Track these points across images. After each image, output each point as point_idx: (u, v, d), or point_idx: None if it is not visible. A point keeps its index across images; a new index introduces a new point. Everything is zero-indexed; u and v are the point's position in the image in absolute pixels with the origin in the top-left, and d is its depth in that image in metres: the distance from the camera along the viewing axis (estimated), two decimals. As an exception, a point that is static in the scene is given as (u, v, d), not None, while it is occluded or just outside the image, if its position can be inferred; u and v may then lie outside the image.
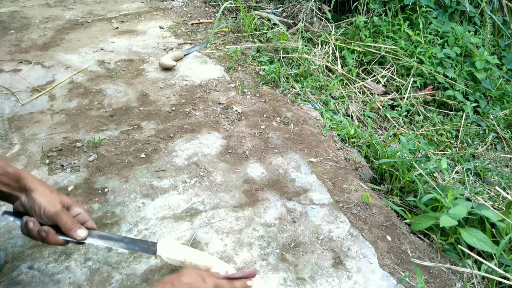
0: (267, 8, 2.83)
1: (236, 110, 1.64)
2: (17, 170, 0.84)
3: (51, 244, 0.81)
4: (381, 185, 1.46)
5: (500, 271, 1.02)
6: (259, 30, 2.43)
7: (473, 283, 1.06)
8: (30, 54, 2.07)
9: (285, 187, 1.26)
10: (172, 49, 2.17)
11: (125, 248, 0.89)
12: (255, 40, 2.34)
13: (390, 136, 1.81)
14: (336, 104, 2.02)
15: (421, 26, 2.53)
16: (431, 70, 2.41)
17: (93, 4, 2.87)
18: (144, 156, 1.36)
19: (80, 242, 0.85)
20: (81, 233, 0.83)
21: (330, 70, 2.36)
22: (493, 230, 1.19)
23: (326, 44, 2.50)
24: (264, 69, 1.99)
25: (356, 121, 2.02)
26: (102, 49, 2.14)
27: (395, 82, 2.43)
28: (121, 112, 1.61)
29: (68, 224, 0.81)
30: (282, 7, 2.90)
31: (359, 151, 1.58)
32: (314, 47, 2.46)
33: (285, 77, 2.00)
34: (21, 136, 1.45)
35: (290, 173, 1.32)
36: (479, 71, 2.45)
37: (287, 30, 2.40)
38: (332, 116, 1.80)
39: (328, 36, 2.53)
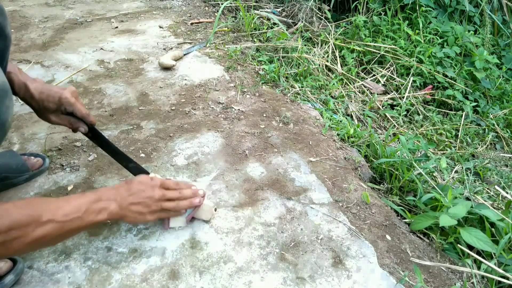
0: (267, 8, 2.83)
1: (236, 110, 1.64)
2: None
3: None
4: (381, 185, 1.46)
5: (500, 270, 1.02)
6: (259, 30, 2.43)
7: (472, 283, 1.06)
8: (30, 53, 2.06)
9: (285, 187, 1.26)
10: (171, 48, 2.17)
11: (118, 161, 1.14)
12: (255, 40, 2.34)
13: (389, 135, 1.81)
14: (335, 104, 2.02)
15: (421, 25, 2.53)
16: (430, 69, 2.41)
17: (93, 4, 2.86)
18: (143, 155, 1.36)
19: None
20: (82, 129, 1.10)
21: (329, 69, 2.36)
22: (493, 229, 1.19)
23: (325, 44, 2.50)
24: (264, 68, 1.99)
25: (356, 120, 2.02)
26: (101, 48, 2.14)
27: (395, 81, 2.43)
28: (120, 111, 1.60)
29: None
30: (282, 6, 2.90)
31: (359, 150, 1.58)
32: (313, 47, 2.46)
33: (284, 76, 2.00)
34: (21, 135, 1.45)
35: (289, 173, 1.32)
36: (479, 70, 2.46)
37: (286, 30, 2.40)
38: (331, 116, 1.80)
39: (327, 35, 2.53)
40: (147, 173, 1.16)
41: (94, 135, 1.14)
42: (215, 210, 1.09)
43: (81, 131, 1.10)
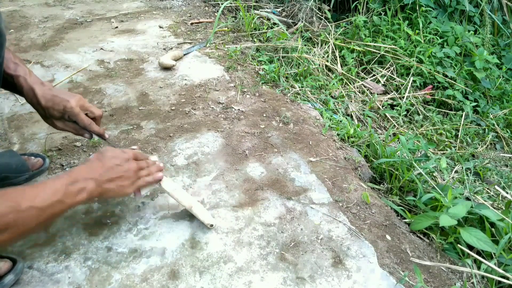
0: (267, 8, 2.83)
1: (236, 110, 1.64)
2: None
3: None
4: (381, 185, 1.46)
5: (500, 270, 1.02)
6: (259, 30, 2.43)
7: (472, 283, 1.06)
8: (30, 53, 2.06)
9: (285, 187, 1.26)
10: (171, 48, 2.17)
11: None
12: (255, 40, 2.34)
13: (389, 135, 1.81)
14: (335, 104, 2.02)
15: (421, 25, 2.53)
16: (430, 69, 2.41)
17: (93, 4, 2.86)
18: (143, 155, 1.36)
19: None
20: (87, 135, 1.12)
21: (329, 69, 2.36)
22: (493, 229, 1.19)
23: (325, 44, 2.50)
24: (264, 68, 1.99)
25: (356, 120, 2.02)
26: (101, 48, 2.14)
27: (395, 81, 2.43)
28: (120, 111, 1.60)
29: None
30: (282, 6, 2.90)
31: (359, 150, 1.58)
32: (313, 47, 2.46)
33: (284, 76, 2.00)
34: (21, 135, 1.45)
35: (289, 173, 1.32)
36: (479, 70, 2.46)
37: (286, 30, 2.40)
38: (331, 116, 1.80)
39: (327, 35, 2.53)
40: None
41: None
42: (211, 226, 1.08)
43: (86, 137, 1.11)
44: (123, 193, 0.93)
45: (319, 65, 2.27)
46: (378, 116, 2.20)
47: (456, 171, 1.80)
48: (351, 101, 2.15)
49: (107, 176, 0.89)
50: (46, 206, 0.76)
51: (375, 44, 2.49)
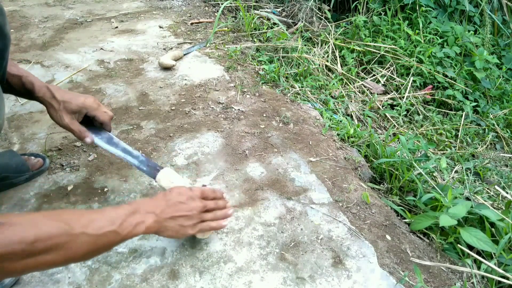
0: (267, 8, 2.83)
1: (236, 110, 1.64)
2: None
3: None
4: (381, 185, 1.46)
5: (500, 270, 1.02)
6: (259, 30, 2.43)
7: (472, 283, 1.06)
8: (30, 53, 2.06)
9: (285, 187, 1.26)
10: (171, 48, 2.17)
11: (131, 162, 1.07)
12: (255, 40, 2.34)
13: (389, 135, 1.81)
14: (335, 104, 2.02)
15: (421, 25, 2.53)
16: (430, 69, 2.41)
17: (93, 4, 2.86)
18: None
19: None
20: (88, 140, 1.05)
21: (329, 69, 2.36)
22: (493, 229, 1.19)
23: (325, 44, 2.50)
24: (264, 68, 1.99)
25: (356, 120, 2.02)
26: (101, 48, 2.14)
27: (395, 81, 2.43)
28: (120, 111, 1.60)
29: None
30: (282, 6, 2.90)
31: (359, 150, 1.58)
32: (313, 47, 2.46)
33: (284, 76, 2.00)
34: (21, 135, 1.45)
35: (289, 173, 1.32)
36: (479, 70, 2.46)
37: (286, 30, 2.40)
38: (331, 116, 1.80)
39: (327, 35, 2.53)
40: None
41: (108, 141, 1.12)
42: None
43: (86, 141, 1.06)
44: (182, 234, 0.88)
45: (319, 65, 2.27)
46: (378, 116, 2.20)
47: (456, 171, 1.80)
48: (351, 101, 2.15)
49: (169, 213, 0.85)
50: (100, 235, 0.71)
51: (375, 44, 2.49)
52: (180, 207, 0.86)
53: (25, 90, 1.02)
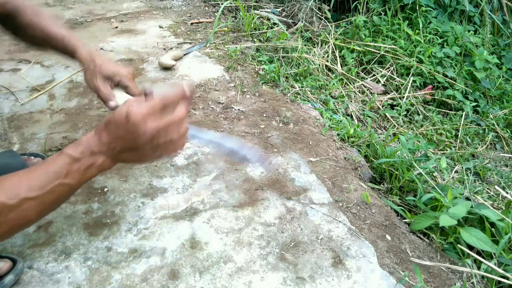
0: (267, 8, 2.83)
1: (236, 110, 1.64)
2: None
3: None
4: (381, 185, 1.46)
5: (500, 270, 1.02)
6: (259, 30, 2.43)
7: (472, 283, 1.06)
8: (30, 53, 2.06)
9: (285, 187, 1.26)
10: (171, 48, 2.17)
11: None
12: (255, 40, 2.34)
13: (389, 135, 1.81)
14: (335, 104, 2.02)
15: (421, 25, 2.53)
16: (430, 69, 2.41)
17: (93, 4, 2.86)
18: (143, 155, 1.36)
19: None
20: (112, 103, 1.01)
21: (329, 69, 2.36)
22: (493, 229, 1.19)
23: (325, 44, 2.50)
24: (264, 68, 1.99)
25: (356, 120, 2.02)
26: (101, 48, 2.14)
27: (395, 81, 2.43)
28: (120, 111, 1.60)
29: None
30: (282, 6, 2.90)
31: (359, 150, 1.58)
32: (313, 47, 2.46)
33: (284, 76, 2.00)
34: (21, 135, 1.45)
35: (289, 173, 1.32)
36: (479, 70, 2.46)
37: (286, 30, 2.40)
38: (331, 116, 1.80)
39: (327, 35, 2.53)
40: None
41: None
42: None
43: (111, 105, 1.00)
44: (141, 161, 0.75)
45: (319, 65, 2.27)
46: (378, 116, 2.20)
47: (456, 171, 1.80)
48: (351, 101, 2.15)
49: (117, 147, 0.71)
50: (46, 193, 0.66)
51: (375, 44, 2.49)
52: (125, 139, 0.70)
53: (65, 52, 1.06)
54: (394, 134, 2.00)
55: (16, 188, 0.64)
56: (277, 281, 0.96)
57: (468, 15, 2.73)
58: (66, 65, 1.95)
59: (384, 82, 2.41)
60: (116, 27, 2.44)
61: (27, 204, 0.64)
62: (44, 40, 1.06)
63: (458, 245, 1.14)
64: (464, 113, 2.34)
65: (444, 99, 2.40)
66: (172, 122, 0.71)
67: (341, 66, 2.40)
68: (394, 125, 2.18)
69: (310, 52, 2.32)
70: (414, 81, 2.41)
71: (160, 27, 2.46)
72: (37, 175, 0.67)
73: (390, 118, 2.22)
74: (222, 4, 2.53)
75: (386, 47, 2.45)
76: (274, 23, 2.47)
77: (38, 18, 1.06)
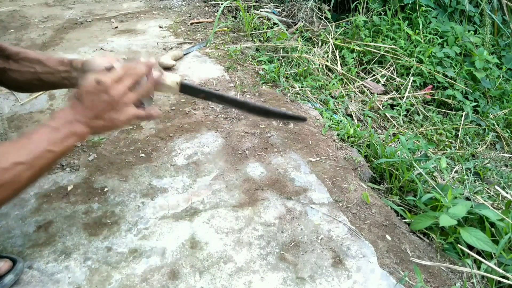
0: (267, 8, 2.83)
1: (236, 110, 1.64)
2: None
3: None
4: (381, 185, 1.46)
5: (500, 270, 1.02)
6: (259, 30, 2.43)
7: (472, 283, 1.06)
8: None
9: (285, 187, 1.26)
10: (171, 48, 2.17)
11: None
12: (255, 40, 2.34)
13: (389, 135, 1.81)
14: (335, 104, 2.02)
15: (421, 25, 2.53)
16: (430, 69, 2.41)
17: (93, 4, 2.86)
18: (143, 155, 1.36)
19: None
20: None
21: (329, 69, 2.36)
22: (493, 229, 1.19)
23: (325, 44, 2.50)
24: (264, 68, 1.99)
25: (356, 120, 2.02)
26: (101, 48, 2.14)
27: (395, 81, 2.43)
28: (120, 111, 1.60)
29: None
30: (282, 6, 2.90)
31: (359, 150, 1.58)
32: (313, 47, 2.46)
33: (284, 76, 2.00)
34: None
35: (289, 173, 1.32)
36: (479, 70, 2.46)
37: (286, 30, 2.40)
38: (331, 116, 1.80)
39: (327, 35, 2.53)
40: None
41: None
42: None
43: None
44: (116, 127, 0.84)
45: (319, 65, 2.27)
46: (378, 116, 2.20)
47: (456, 171, 1.80)
48: (351, 101, 2.15)
49: (90, 114, 0.81)
50: (35, 158, 0.73)
51: (375, 44, 2.49)
52: (97, 104, 0.81)
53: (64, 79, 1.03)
54: (394, 134, 2.00)
55: (5, 154, 0.71)
56: (277, 281, 0.96)
57: (468, 15, 2.73)
58: (66, 65, 1.95)
59: (384, 82, 2.41)
60: (116, 27, 2.44)
61: (18, 167, 0.71)
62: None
63: (458, 245, 1.14)
64: (464, 113, 2.34)
65: (444, 99, 2.41)
66: (132, 83, 0.85)
67: (341, 66, 2.40)
68: (394, 125, 2.18)
69: (310, 52, 2.32)
70: (414, 81, 2.41)
71: (160, 27, 2.46)
72: (22, 143, 0.74)
73: (390, 118, 2.22)
74: (222, 4, 2.53)
75: (386, 47, 2.45)
76: (274, 23, 2.47)
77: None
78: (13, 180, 0.71)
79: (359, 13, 2.64)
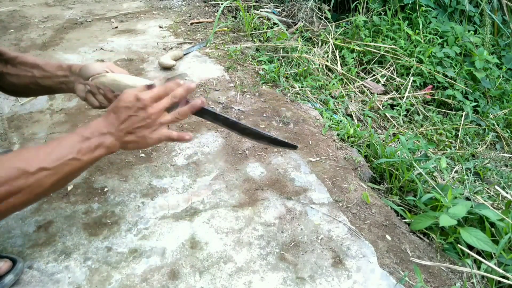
0: (267, 8, 2.83)
1: (236, 110, 1.64)
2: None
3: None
4: (381, 185, 1.46)
5: (500, 270, 1.02)
6: (259, 30, 2.43)
7: (472, 283, 1.06)
8: (30, 53, 2.06)
9: (285, 187, 1.26)
10: (171, 48, 2.17)
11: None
12: (255, 40, 2.34)
13: (389, 135, 1.81)
14: (335, 104, 2.02)
15: (421, 25, 2.53)
16: (430, 69, 2.41)
17: (93, 4, 2.86)
18: (143, 155, 1.36)
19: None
20: None
21: (329, 69, 2.36)
22: (493, 229, 1.19)
23: (325, 44, 2.50)
24: (264, 68, 1.99)
25: (356, 120, 2.02)
26: (101, 48, 2.14)
27: (395, 81, 2.43)
28: (120, 111, 1.60)
29: None
30: (282, 6, 2.90)
31: (359, 150, 1.58)
32: (313, 47, 2.46)
33: (284, 76, 2.00)
34: (21, 135, 1.45)
35: (289, 173, 1.32)
36: (479, 70, 2.46)
37: (286, 30, 2.40)
38: (331, 116, 1.80)
39: (327, 35, 2.53)
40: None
41: None
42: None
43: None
44: (146, 144, 0.85)
45: (319, 65, 2.27)
46: (378, 116, 2.20)
47: (456, 171, 1.80)
48: (351, 101, 2.15)
49: (124, 128, 0.81)
50: (60, 165, 0.74)
51: (375, 44, 2.49)
52: (132, 120, 0.82)
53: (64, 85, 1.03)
54: (394, 134, 2.00)
55: (34, 158, 0.72)
56: (277, 281, 0.96)
57: (468, 15, 2.73)
58: (66, 65, 1.95)
59: (384, 82, 2.41)
60: (116, 27, 2.44)
61: (43, 173, 0.72)
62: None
63: (458, 245, 1.14)
64: (464, 113, 2.34)
65: (444, 99, 2.41)
66: (170, 104, 0.86)
67: (341, 66, 2.40)
68: (394, 125, 2.18)
69: (310, 52, 2.32)
70: (414, 81, 2.41)
71: (160, 27, 2.46)
72: (52, 149, 0.75)
73: (390, 118, 2.22)
74: (222, 4, 2.53)
75: (386, 47, 2.45)
76: (274, 23, 2.47)
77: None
78: (36, 184, 0.71)
79: (359, 13, 2.65)
